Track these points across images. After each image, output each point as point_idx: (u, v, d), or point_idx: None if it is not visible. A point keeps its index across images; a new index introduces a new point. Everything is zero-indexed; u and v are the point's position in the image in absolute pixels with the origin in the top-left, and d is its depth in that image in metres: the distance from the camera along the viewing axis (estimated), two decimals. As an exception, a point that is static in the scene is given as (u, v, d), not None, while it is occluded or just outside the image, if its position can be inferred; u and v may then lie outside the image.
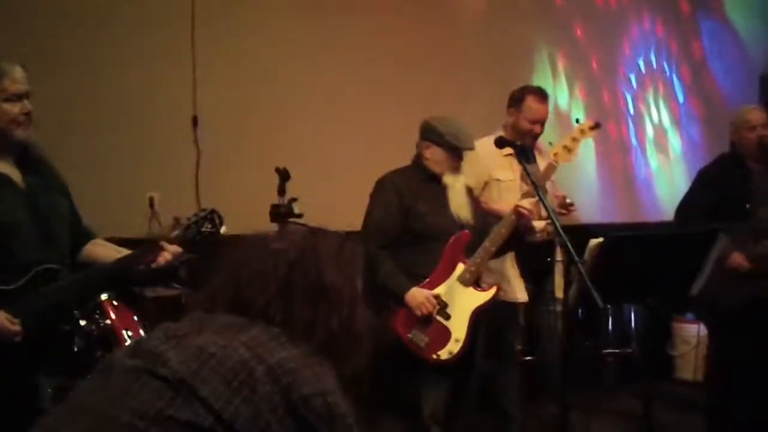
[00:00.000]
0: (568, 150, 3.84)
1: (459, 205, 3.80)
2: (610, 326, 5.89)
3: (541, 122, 4.30)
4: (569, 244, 3.24)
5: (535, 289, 4.29)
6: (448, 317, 3.70)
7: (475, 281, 3.76)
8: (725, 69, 6.64)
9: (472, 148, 3.77)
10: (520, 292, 4.24)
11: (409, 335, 3.69)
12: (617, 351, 5.88)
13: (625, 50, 6.36)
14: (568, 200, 4.27)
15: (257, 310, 1.63)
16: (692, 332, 5.89)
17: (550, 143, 4.03)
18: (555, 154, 3.83)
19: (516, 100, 4.32)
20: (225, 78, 5.07)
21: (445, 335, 3.68)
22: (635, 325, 5.91)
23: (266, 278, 1.66)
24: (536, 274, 4.26)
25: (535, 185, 3.55)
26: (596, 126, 3.87)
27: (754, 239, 4.26)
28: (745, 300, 4.22)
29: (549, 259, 3.99)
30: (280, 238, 1.75)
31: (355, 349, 1.69)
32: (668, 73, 6.49)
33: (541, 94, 4.33)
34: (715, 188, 4.38)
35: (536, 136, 4.33)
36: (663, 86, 6.47)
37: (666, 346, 6.16)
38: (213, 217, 3.10)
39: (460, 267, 3.74)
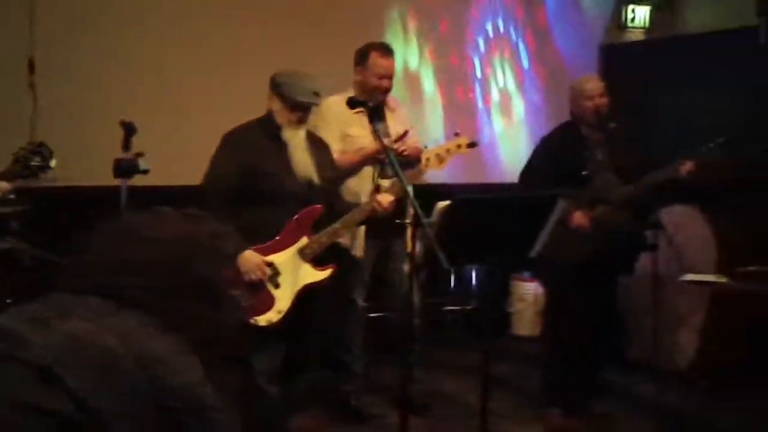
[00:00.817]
0: (440, 160, 3.88)
1: (299, 161, 3.75)
2: (452, 284, 6.07)
3: (388, 77, 4.33)
4: (417, 207, 3.31)
5: (385, 247, 4.37)
6: (277, 286, 3.67)
7: (314, 257, 3.75)
8: (567, 37, 6.88)
9: (310, 102, 3.69)
10: (358, 249, 4.33)
11: (234, 292, 3.63)
12: (459, 308, 6.09)
13: (473, 14, 6.47)
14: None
15: (127, 297, 1.58)
16: (529, 290, 6.15)
17: (425, 146, 4.09)
18: (427, 160, 3.85)
19: (361, 57, 4.37)
20: (66, 18, 4.81)
21: (269, 303, 3.66)
22: (476, 283, 6.13)
23: (137, 266, 1.60)
24: (386, 233, 4.33)
25: (385, 147, 3.62)
26: (472, 145, 3.94)
27: (589, 204, 4.50)
28: (578, 259, 4.47)
29: (398, 221, 4.05)
30: (153, 224, 1.69)
31: (226, 341, 1.67)
32: (514, 39, 6.66)
33: (385, 49, 4.38)
34: (555, 155, 4.58)
35: (385, 91, 4.36)
36: (509, 51, 6.64)
37: (504, 304, 6.41)
38: (41, 150, 2.97)
39: (303, 240, 3.73)
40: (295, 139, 3.76)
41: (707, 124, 5.62)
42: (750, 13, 4.85)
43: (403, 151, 4.22)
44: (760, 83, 5.51)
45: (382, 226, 4.17)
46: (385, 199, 3.81)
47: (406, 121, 4.58)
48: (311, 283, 3.74)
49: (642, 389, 4.86)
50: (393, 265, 4.40)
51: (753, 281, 4.27)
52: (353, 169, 4.28)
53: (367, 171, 4.31)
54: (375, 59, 4.31)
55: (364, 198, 4.17)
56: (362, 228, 4.28)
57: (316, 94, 3.71)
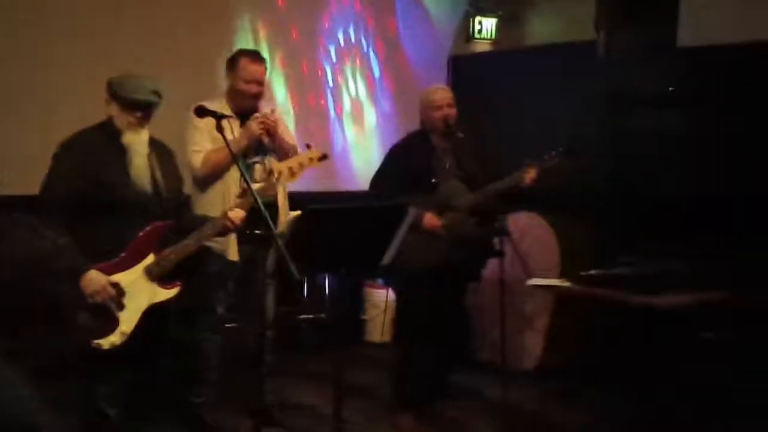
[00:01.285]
0: (292, 173, 3.85)
1: (140, 168, 3.62)
2: (305, 292, 6.08)
3: (257, 82, 4.37)
4: (268, 218, 3.31)
5: (250, 254, 4.33)
6: (121, 307, 3.53)
7: (161, 276, 3.63)
8: (417, 48, 7.01)
9: (148, 99, 3.58)
10: (232, 253, 4.30)
11: (79, 314, 3.49)
12: (312, 316, 6.09)
13: (324, 22, 6.51)
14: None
15: None
16: (381, 297, 6.23)
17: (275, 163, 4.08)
18: (279, 173, 3.82)
19: (231, 62, 4.42)
20: None
21: (112, 325, 3.51)
22: (329, 291, 6.15)
23: None
24: (253, 240, 4.27)
25: (234, 156, 3.60)
26: (324, 158, 3.94)
27: (437, 211, 4.61)
28: (428, 267, 4.57)
29: (248, 232, 4.03)
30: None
31: (70, 368, 1.62)
32: (365, 48, 6.73)
33: (255, 55, 4.44)
34: (405, 163, 4.68)
35: (254, 96, 4.38)
36: (360, 60, 6.71)
37: (358, 311, 6.47)
38: None
39: (150, 258, 3.60)
40: (137, 144, 3.62)
41: (549, 133, 5.85)
42: (590, 27, 5.08)
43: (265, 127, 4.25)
44: (597, 95, 5.78)
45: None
46: (236, 215, 3.73)
47: (281, 126, 4.57)
48: (157, 303, 3.62)
49: (491, 391, 5.00)
50: (253, 275, 4.38)
51: (594, 284, 4.47)
52: (222, 168, 4.26)
53: (233, 179, 4.28)
54: (244, 64, 4.35)
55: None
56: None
57: (156, 93, 3.59)
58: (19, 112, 4.90)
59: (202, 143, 4.25)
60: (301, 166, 3.87)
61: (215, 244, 4.22)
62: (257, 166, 4.30)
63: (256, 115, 4.29)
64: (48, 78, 5.00)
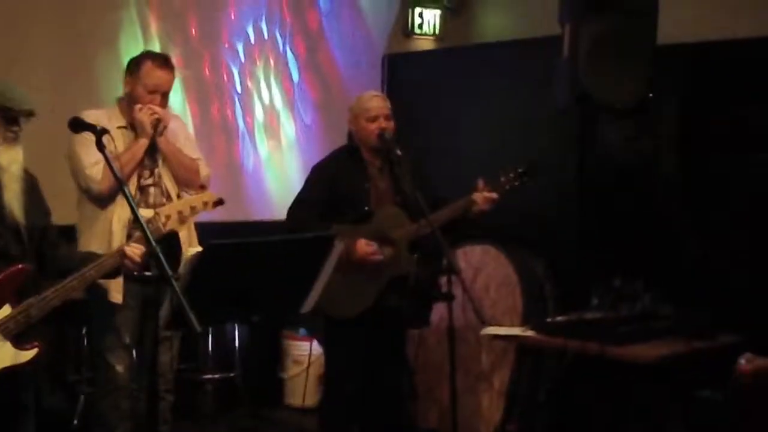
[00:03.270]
0: (182, 219, 3.75)
1: (13, 197, 3.53)
2: (209, 346, 6.00)
3: (162, 92, 4.44)
4: (161, 256, 3.23)
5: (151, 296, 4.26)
6: None
7: (17, 333, 3.47)
8: (344, 45, 7.02)
9: (29, 112, 3.53)
10: (114, 291, 4.29)
11: None
12: (218, 376, 6.01)
13: (230, 15, 6.47)
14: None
15: None
16: (305, 351, 6.17)
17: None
18: (167, 218, 3.70)
19: (134, 64, 4.48)
20: None
21: None
22: (240, 344, 6.08)
23: None
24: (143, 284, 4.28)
25: (119, 180, 3.51)
26: (220, 202, 3.87)
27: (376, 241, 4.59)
28: (358, 312, 4.54)
29: (136, 274, 3.96)
30: None
31: None
32: (281, 46, 6.71)
33: (162, 60, 4.50)
34: (330, 186, 4.66)
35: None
36: (275, 61, 6.68)
37: (276, 368, 6.40)
38: None
39: (5, 310, 3.45)
40: (14, 165, 3.54)
41: (505, 148, 5.89)
42: (553, 22, 5.11)
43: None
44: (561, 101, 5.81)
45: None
46: (135, 251, 3.63)
47: (181, 138, 4.63)
48: (10, 367, 3.45)
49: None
50: (146, 326, 4.32)
51: (562, 333, 4.47)
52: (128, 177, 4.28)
53: (120, 207, 4.27)
54: (149, 69, 4.42)
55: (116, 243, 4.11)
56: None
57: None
58: None
59: (97, 155, 4.11)
60: (193, 210, 3.80)
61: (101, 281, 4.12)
62: (152, 190, 4.33)
63: (138, 105, 4.35)
64: None
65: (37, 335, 3.54)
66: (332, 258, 3.74)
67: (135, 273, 3.90)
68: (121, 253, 3.63)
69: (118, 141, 4.31)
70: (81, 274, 3.57)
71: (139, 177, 4.38)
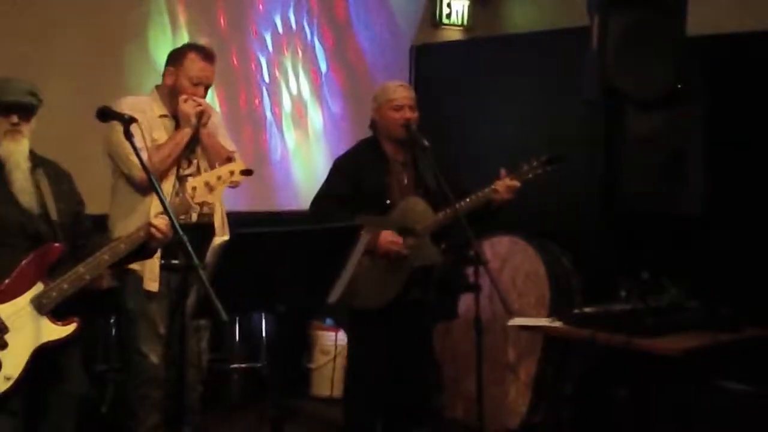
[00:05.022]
0: (210, 188, 3.80)
1: (22, 188, 3.63)
2: (237, 337, 6.04)
3: (205, 85, 4.48)
4: (188, 245, 3.27)
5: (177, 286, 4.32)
6: (4, 346, 3.48)
7: (53, 309, 3.58)
8: (372, 35, 7.02)
9: (23, 101, 3.60)
10: (149, 281, 4.32)
11: None
12: (245, 366, 6.05)
13: (258, 5, 6.49)
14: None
15: None
16: (332, 341, 6.21)
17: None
18: (193, 189, 3.77)
19: (177, 55, 4.50)
20: None
21: None
22: (267, 335, 6.11)
23: None
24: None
25: (150, 176, 3.55)
26: (248, 172, 3.90)
27: (398, 232, 4.61)
28: (383, 304, 4.56)
29: (163, 262, 4.01)
30: None
31: None
32: (309, 36, 6.72)
33: (206, 52, 4.52)
34: (352, 179, 4.68)
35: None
36: (303, 51, 6.70)
37: (302, 358, 6.44)
38: None
39: (39, 287, 3.56)
40: (16, 155, 3.61)
41: (531, 138, 5.89)
42: (582, 12, 5.12)
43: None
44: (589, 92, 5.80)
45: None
46: (162, 221, 3.68)
47: (220, 130, 4.66)
48: (51, 342, 3.57)
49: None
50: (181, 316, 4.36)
51: (589, 325, 4.48)
52: (164, 167, 4.33)
53: (166, 186, 4.32)
54: (193, 61, 4.44)
55: None
56: (156, 261, 4.27)
57: (33, 94, 3.62)
58: None
59: (139, 142, 4.18)
60: (220, 180, 3.83)
61: (136, 266, 4.25)
62: (191, 180, 4.28)
63: (183, 96, 4.38)
64: None
65: (74, 312, 3.63)
66: (358, 248, 3.76)
67: (162, 262, 3.97)
68: (149, 224, 3.69)
69: (160, 130, 4.42)
70: (111, 247, 3.65)
71: (178, 167, 4.39)
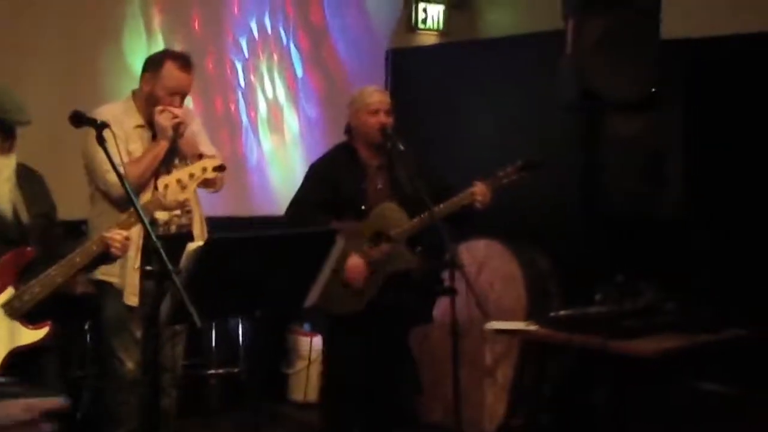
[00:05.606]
0: (183, 186, 3.77)
1: (4, 198, 3.65)
2: (214, 342, 6.02)
3: (181, 94, 4.40)
4: (162, 251, 3.26)
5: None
6: None
7: (25, 314, 3.60)
8: (348, 40, 7.02)
9: (22, 121, 3.64)
10: (129, 294, 4.29)
11: None
12: (223, 371, 6.03)
13: (233, 9, 6.48)
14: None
15: None
16: (308, 346, 6.19)
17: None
18: (165, 187, 3.75)
19: (154, 63, 4.43)
20: None
21: None
22: (243, 339, 6.10)
23: None
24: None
25: (120, 176, 3.54)
26: (220, 168, 3.89)
27: (372, 241, 4.62)
28: (358, 308, 4.57)
29: (138, 268, 4.00)
30: None
31: None
32: (285, 41, 6.72)
33: (184, 61, 4.43)
34: (327, 185, 4.68)
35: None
36: (278, 56, 6.69)
37: (280, 363, 6.42)
38: None
39: (9, 291, 3.58)
40: (6, 171, 3.65)
41: (507, 143, 5.89)
42: (557, 17, 5.13)
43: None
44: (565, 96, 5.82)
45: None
46: (115, 236, 3.68)
47: (199, 136, 4.61)
48: (23, 346, 3.57)
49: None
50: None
51: (566, 328, 4.49)
52: (143, 182, 4.28)
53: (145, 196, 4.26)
54: (170, 70, 4.36)
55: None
56: (134, 265, 4.23)
57: (22, 111, 3.65)
58: None
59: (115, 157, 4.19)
60: (193, 177, 3.80)
61: (114, 279, 4.25)
62: (162, 178, 4.19)
63: (159, 108, 4.31)
64: None
65: (48, 317, 3.64)
66: (334, 253, 3.76)
67: (136, 267, 3.96)
68: (102, 238, 3.67)
69: (136, 142, 4.34)
70: (82, 250, 3.64)
71: (157, 177, 4.21)
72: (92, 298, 4.45)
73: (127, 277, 4.26)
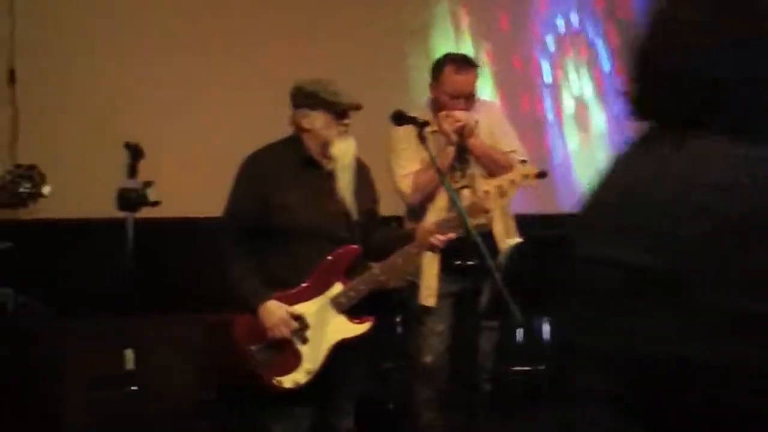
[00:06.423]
0: (502, 193, 3.84)
1: (344, 186, 3.79)
2: (519, 340, 6.07)
3: (464, 96, 4.39)
4: (482, 247, 3.36)
5: (465, 289, 4.40)
6: (304, 341, 3.73)
7: (349, 308, 3.78)
8: (657, 34, 6.90)
9: (357, 106, 3.79)
10: (427, 296, 4.38)
11: (253, 348, 3.73)
12: (529, 369, 6.07)
13: (540, 7, 6.54)
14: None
15: None
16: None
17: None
18: (485, 193, 3.85)
19: (435, 71, 4.46)
20: (52, 25, 4.99)
21: (295, 361, 3.71)
22: (550, 338, 6.10)
23: None
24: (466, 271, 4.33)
25: (441, 173, 3.67)
26: (542, 175, 3.93)
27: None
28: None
29: (458, 263, 4.08)
30: None
31: None
32: (592, 36, 6.70)
33: (462, 63, 4.43)
34: None
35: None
36: (586, 51, 6.68)
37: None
38: (33, 174, 3.05)
39: (338, 287, 3.77)
40: (346, 156, 3.79)
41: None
42: None
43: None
44: None
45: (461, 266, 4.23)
46: (439, 237, 3.79)
47: (496, 131, 4.60)
48: (347, 339, 3.78)
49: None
50: (464, 315, 4.45)
51: None
52: (428, 190, 4.36)
53: (440, 201, 4.37)
54: (449, 75, 4.38)
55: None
56: (434, 267, 4.34)
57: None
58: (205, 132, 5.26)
59: (409, 164, 4.35)
60: (513, 184, 3.86)
61: (415, 279, 4.39)
62: (465, 192, 4.28)
63: (443, 113, 4.32)
64: (224, 92, 5.38)
65: (363, 310, 3.82)
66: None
67: (458, 263, 4.07)
68: (424, 243, 3.79)
69: (428, 140, 4.30)
70: (404, 252, 3.79)
71: (441, 182, 4.19)
72: (403, 292, 4.60)
73: (424, 279, 4.37)
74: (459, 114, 4.31)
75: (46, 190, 3.05)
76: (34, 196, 3.02)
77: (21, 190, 3.00)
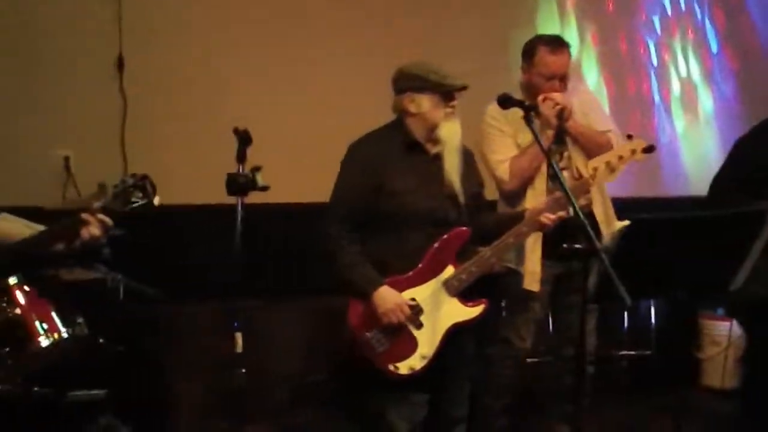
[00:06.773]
0: (611, 169, 3.86)
1: (451, 168, 3.79)
2: (625, 324, 6.05)
3: (559, 77, 4.40)
4: (588, 229, 3.35)
5: (563, 274, 4.43)
6: (419, 326, 3.73)
7: (461, 292, 3.79)
8: (766, 14, 6.79)
9: (464, 86, 3.77)
10: (531, 281, 4.40)
11: (368, 334, 3.73)
12: (633, 353, 6.04)
13: (647, -14, 6.50)
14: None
15: None
16: (723, 331, 6.06)
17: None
18: (594, 169, 3.86)
19: (527, 53, 4.47)
20: (159, 11, 5.12)
21: (411, 346, 3.72)
22: (655, 322, 6.08)
23: None
24: (563, 258, 4.36)
25: (548, 156, 3.67)
26: (650, 149, 3.92)
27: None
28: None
29: (565, 246, 4.08)
30: None
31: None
32: (699, 17, 6.62)
33: (555, 44, 4.44)
34: (756, 160, 4.50)
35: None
36: (693, 33, 6.60)
37: (691, 348, 6.34)
38: (145, 184, 3.12)
39: (449, 270, 3.77)
40: (454, 139, 3.79)
41: None
42: None
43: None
44: None
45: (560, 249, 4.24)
46: (550, 216, 3.77)
47: (590, 114, 4.58)
48: (461, 322, 3.78)
49: None
50: (568, 299, 4.46)
51: None
52: (531, 176, 4.38)
53: (539, 185, 4.39)
54: (542, 56, 4.39)
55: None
56: (537, 251, 4.36)
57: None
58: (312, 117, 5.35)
59: (505, 150, 4.37)
60: (621, 159, 3.86)
61: (512, 265, 4.41)
62: (591, 161, 4.14)
63: (541, 96, 4.31)
64: (332, 78, 5.47)
65: (473, 294, 3.82)
66: (763, 235, 3.65)
67: (564, 246, 4.08)
68: (535, 221, 3.77)
69: (525, 131, 4.24)
70: (514, 232, 3.79)
71: (549, 165, 4.26)
72: (504, 276, 4.57)
73: (528, 265, 4.38)
74: (557, 97, 4.31)
75: (156, 200, 3.12)
76: (146, 207, 3.10)
77: (133, 200, 3.08)
